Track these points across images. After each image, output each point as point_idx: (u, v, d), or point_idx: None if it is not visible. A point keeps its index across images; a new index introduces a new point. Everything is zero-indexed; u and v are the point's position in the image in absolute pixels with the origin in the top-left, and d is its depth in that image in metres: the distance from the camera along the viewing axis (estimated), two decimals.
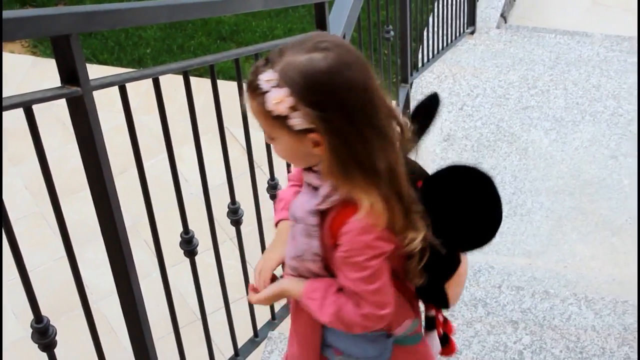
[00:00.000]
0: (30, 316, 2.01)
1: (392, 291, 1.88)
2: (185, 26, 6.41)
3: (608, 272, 4.20)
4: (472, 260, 4.05)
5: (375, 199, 1.70)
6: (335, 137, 1.65)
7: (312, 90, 1.62)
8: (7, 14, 1.67)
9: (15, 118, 1.87)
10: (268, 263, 2.05)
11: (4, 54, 6.16)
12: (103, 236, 2.14)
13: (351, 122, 1.65)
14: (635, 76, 5.64)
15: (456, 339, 3.19)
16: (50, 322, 2.02)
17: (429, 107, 2.02)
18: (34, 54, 6.19)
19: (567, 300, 3.62)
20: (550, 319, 3.53)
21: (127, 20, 2.11)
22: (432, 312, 2.16)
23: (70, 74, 1.87)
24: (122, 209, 2.14)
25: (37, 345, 2.02)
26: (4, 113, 1.79)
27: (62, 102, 1.91)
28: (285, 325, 3.30)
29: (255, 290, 2.03)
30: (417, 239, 1.78)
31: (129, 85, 2.15)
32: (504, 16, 6.68)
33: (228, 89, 2.64)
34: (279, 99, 1.62)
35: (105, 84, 1.99)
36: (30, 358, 2.66)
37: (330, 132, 1.64)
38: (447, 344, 2.23)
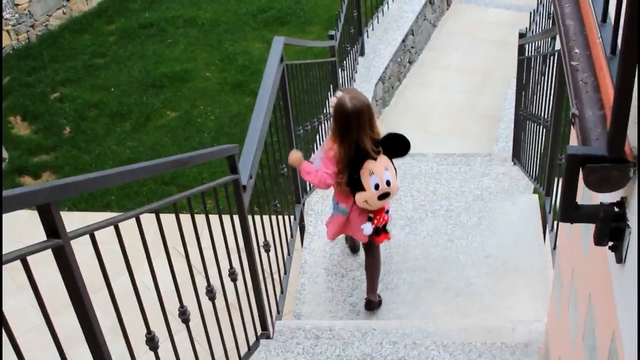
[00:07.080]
0: None
1: (329, 180, 3.90)
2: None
3: (456, 323, 4.28)
4: (360, 326, 4.09)
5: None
6: None
7: None
8: (6, 192, 1.72)
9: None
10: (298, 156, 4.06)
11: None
12: (85, 336, 2.14)
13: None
14: (459, 182, 5.82)
15: None
16: None
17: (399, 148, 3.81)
18: (29, 209, 6.12)
19: (429, 347, 3.68)
20: None
21: (92, 186, 2.14)
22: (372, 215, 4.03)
23: (53, 230, 1.90)
24: (99, 314, 2.13)
25: None
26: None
27: None
28: None
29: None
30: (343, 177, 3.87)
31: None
32: None
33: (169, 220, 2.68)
34: None
35: (79, 234, 2.01)
36: None
37: None
38: (379, 234, 4.10)
